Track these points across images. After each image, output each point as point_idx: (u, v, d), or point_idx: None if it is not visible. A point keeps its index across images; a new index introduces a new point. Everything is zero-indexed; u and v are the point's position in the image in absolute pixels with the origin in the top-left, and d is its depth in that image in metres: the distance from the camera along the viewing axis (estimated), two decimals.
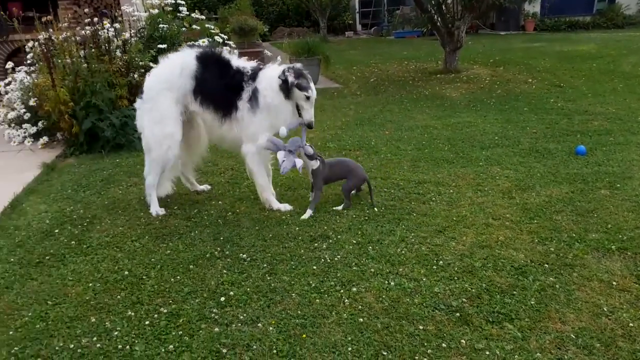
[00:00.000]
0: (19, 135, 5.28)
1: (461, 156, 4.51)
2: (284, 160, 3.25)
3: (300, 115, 3.34)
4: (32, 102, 5.20)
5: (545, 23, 16.35)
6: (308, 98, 3.26)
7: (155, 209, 3.50)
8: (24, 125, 5.30)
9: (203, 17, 6.64)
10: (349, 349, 2.12)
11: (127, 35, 5.62)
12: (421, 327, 2.24)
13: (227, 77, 3.33)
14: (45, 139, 5.19)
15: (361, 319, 2.30)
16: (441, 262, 2.76)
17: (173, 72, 3.35)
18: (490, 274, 2.65)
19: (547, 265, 2.71)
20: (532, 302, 2.40)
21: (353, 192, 3.62)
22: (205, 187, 3.93)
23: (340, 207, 3.46)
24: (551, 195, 3.59)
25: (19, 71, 5.69)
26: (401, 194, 3.71)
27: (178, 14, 6.70)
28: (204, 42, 5.88)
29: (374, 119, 6.01)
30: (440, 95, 7.23)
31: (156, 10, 6.08)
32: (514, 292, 2.48)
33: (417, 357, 2.06)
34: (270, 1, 19.47)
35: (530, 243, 2.95)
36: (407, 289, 2.53)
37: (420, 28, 16.75)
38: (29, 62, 5.69)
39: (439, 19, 8.72)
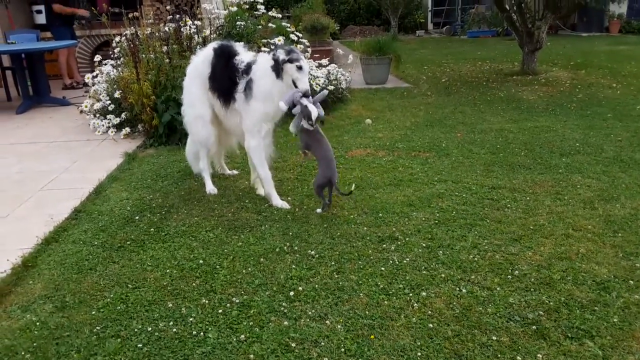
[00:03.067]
0: (103, 125, 5.61)
1: (539, 162, 4.31)
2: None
3: (295, 86, 3.30)
4: (117, 94, 5.51)
5: (631, 25, 15.28)
6: (300, 67, 3.22)
7: (210, 188, 3.89)
8: (108, 116, 5.62)
9: (279, 15, 6.76)
10: (418, 354, 2.08)
11: (207, 32, 5.82)
12: (494, 338, 2.16)
13: (228, 68, 3.50)
14: (127, 129, 5.48)
15: (431, 325, 2.26)
16: (517, 271, 2.65)
17: (200, 60, 3.72)
18: (570, 287, 2.51)
19: (632, 282, 2.54)
20: (615, 320, 2.25)
21: (334, 192, 3.43)
22: (233, 172, 4.30)
23: (319, 210, 3.41)
24: (637, 208, 3.36)
25: (106, 64, 6.04)
26: (473, 198, 3.60)
27: (255, 12, 6.86)
28: (279, 40, 5.98)
29: (445, 120, 5.87)
30: (517, 98, 6.94)
31: (235, 8, 6.25)
32: (595, 308, 2.34)
33: None
34: (342, 0, 19.49)
35: (614, 257, 2.78)
36: (479, 298, 2.45)
37: (496, 28, 16.19)
38: (115, 55, 6.03)
39: (518, 18, 8.36)
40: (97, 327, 2.31)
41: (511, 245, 2.94)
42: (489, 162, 4.34)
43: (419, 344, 2.15)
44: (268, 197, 3.61)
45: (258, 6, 6.53)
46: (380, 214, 3.37)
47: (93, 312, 2.43)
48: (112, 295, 2.56)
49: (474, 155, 4.56)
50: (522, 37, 8.44)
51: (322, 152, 3.39)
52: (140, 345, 2.18)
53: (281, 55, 3.24)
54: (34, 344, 2.22)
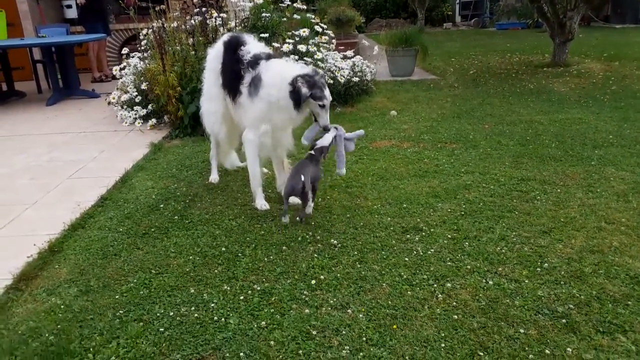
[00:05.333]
0: (130, 117, 5.68)
1: (570, 154, 4.18)
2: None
3: (315, 120, 3.19)
4: (143, 86, 5.57)
5: None
6: (323, 106, 3.07)
7: (214, 176, 3.94)
8: (135, 108, 5.69)
9: (304, 7, 6.72)
10: (442, 345, 2.03)
11: (232, 24, 5.83)
12: (522, 331, 2.10)
13: (234, 61, 3.37)
14: (153, 121, 5.54)
15: (455, 316, 2.20)
16: (546, 264, 2.57)
17: (213, 55, 3.64)
18: (602, 281, 2.42)
19: None
20: None
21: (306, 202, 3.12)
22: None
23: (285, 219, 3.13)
24: None
25: (133, 57, 6.11)
26: (502, 190, 3.51)
27: (280, 4, 6.84)
28: (303, 31, 5.95)
29: (472, 112, 5.75)
30: (547, 90, 6.75)
31: (260, 0, 6.24)
32: (629, 303, 2.25)
33: None
34: None
35: None
36: (506, 290, 2.38)
37: (526, 20, 15.81)
38: (142, 48, 6.10)
39: (549, 8, 8.12)
40: (120, 311, 2.33)
41: (540, 237, 2.85)
42: (518, 154, 4.23)
43: (443, 335, 2.09)
44: (253, 194, 3.45)
45: None
46: (405, 205, 3.32)
47: (117, 297, 2.45)
48: (135, 280, 2.58)
49: (503, 146, 4.45)
50: (554, 27, 8.21)
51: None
52: (162, 329, 2.19)
53: (303, 88, 3.00)
54: (58, 326, 2.25)
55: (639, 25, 14.48)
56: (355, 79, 6.22)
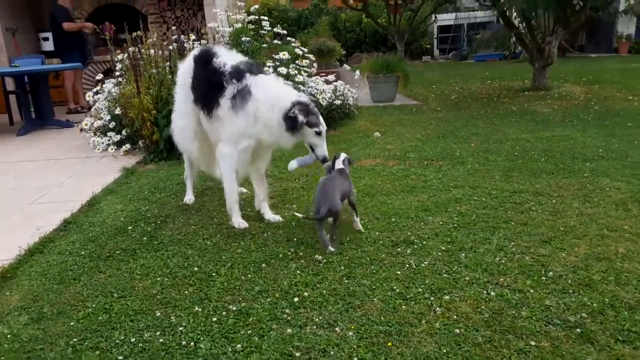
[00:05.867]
0: (103, 143, 5.42)
1: (561, 167, 4.03)
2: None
3: (312, 150, 2.98)
4: (117, 111, 5.34)
5: None
6: (319, 134, 2.90)
7: (188, 197, 3.70)
8: (109, 134, 5.45)
9: (285, 32, 6.64)
10: None
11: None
12: (533, 343, 1.85)
13: (208, 72, 3.15)
14: (127, 146, 5.29)
15: (457, 330, 1.95)
16: (550, 273, 2.35)
17: (182, 70, 3.44)
18: (613, 288, 2.20)
19: None
20: None
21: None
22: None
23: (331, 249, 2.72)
24: None
25: (108, 82, 5.91)
26: (494, 202, 3.31)
27: (260, 31, 6.74)
28: (284, 54, 5.83)
29: (457, 132, 5.63)
30: (530, 111, 6.69)
31: (239, 25, 6.15)
32: None
33: None
34: (348, 28, 19.64)
35: None
36: (511, 301, 2.14)
37: (502, 51, 16.12)
38: (117, 74, 5.90)
39: (528, 34, 8.20)
40: (75, 339, 2.04)
41: (541, 247, 2.64)
42: (508, 169, 4.06)
43: (444, 351, 1.84)
44: (228, 213, 3.19)
45: (263, 23, 6.42)
46: (393, 219, 3.09)
47: (72, 323, 2.15)
48: (94, 305, 2.28)
49: (491, 162, 4.28)
50: (532, 53, 8.26)
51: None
52: (120, 358, 1.90)
53: (300, 116, 2.84)
54: (2, 358, 1.94)
55: (613, 55, 14.83)
56: (338, 102, 6.09)
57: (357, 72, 7.35)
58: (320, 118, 2.93)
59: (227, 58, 3.19)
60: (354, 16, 19.93)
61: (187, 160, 3.69)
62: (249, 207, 3.45)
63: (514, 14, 8.24)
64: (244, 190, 3.84)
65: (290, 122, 2.85)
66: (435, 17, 18.74)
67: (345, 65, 8.30)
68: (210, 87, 3.13)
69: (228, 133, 3.09)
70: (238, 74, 3.04)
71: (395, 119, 6.65)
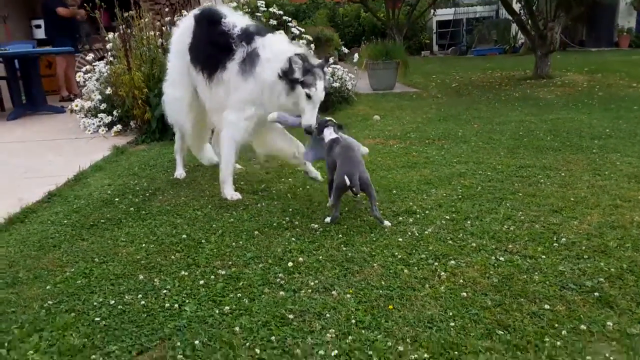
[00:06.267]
0: (93, 124, 5.26)
1: (568, 145, 3.88)
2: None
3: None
4: (108, 91, 5.18)
5: None
6: (310, 97, 2.61)
7: (179, 172, 3.51)
8: (100, 115, 5.28)
9: (281, 12, 6.47)
10: (451, 324, 1.62)
11: None
12: (547, 307, 1.70)
13: (215, 33, 2.94)
14: (118, 127, 5.12)
15: (464, 294, 1.80)
16: (563, 239, 2.20)
17: (179, 32, 3.26)
18: (631, 254, 2.05)
19: None
20: None
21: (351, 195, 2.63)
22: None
23: (328, 219, 2.51)
24: None
25: (99, 63, 5.73)
26: (500, 176, 3.16)
27: (256, 13, 6.58)
28: (279, 33, 5.66)
29: (459, 115, 5.47)
30: (533, 97, 6.55)
31: (234, 4, 5.98)
32: None
33: (547, 340, 1.52)
34: (346, 23, 19.49)
35: None
36: (521, 266, 1.99)
37: (502, 45, 15.99)
38: (109, 53, 5.73)
39: (529, 21, 8.06)
40: (49, 302, 1.88)
41: (551, 216, 2.49)
42: (513, 146, 3.91)
43: (450, 314, 1.69)
44: (221, 184, 3.00)
45: (258, 3, 6.26)
46: (395, 192, 2.94)
47: (48, 287, 1.99)
48: (73, 270, 2.12)
49: (495, 141, 4.13)
50: (534, 40, 8.12)
51: (339, 149, 2.57)
52: (97, 319, 1.74)
53: (296, 69, 2.59)
54: None
55: (614, 49, 14.71)
56: (336, 85, 5.93)
57: (356, 54, 7.19)
58: (319, 81, 2.65)
59: (235, 19, 2.98)
60: (352, 10, 19.78)
61: (178, 133, 3.52)
62: (242, 180, 3.29)
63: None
64: (239, 166, 3.68)
65: (286, 78, 2.63)
66: (434, 11, 18.61)
67: (343, 48, 8.12)
68: (215, 48, 2.93)
69: (234, 99, 2.90)
70: (247, 36, 2.84)
71: (395, 104, 6.50)
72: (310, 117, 2.64)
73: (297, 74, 2.60)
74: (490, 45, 16.14)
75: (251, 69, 2.78)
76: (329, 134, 2.65)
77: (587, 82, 7.67)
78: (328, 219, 2.51)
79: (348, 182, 2.35)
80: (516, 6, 8.62)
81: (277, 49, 2.77)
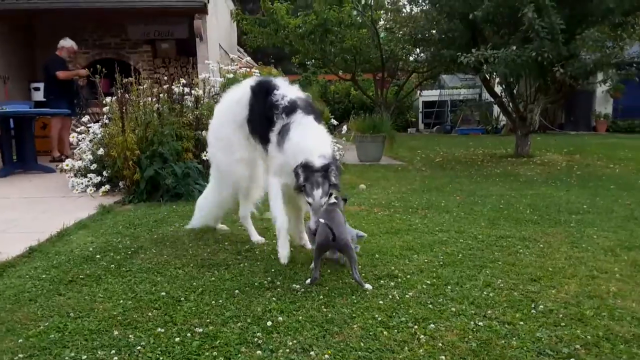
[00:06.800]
0: (82, 184, 5.29)
1: (547, 218, 3.97)
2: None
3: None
4: (100, 151, 5.27)
5: (618, 125, 15.71)
6: (310, 204, 2.67)
7: (255, 238, 3.38)
8: (89, 175, 5.33)
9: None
10: None
11: (200, 92, 5.75)
12: None
13: (266, 106, 2.99)
14: (107, 187, 5.16)
15: (443, 357, 1.79)
16: (541, 307, 2.22)
17: (235, 100, 3.26)
18: (607, 322, 2.07)
19: None
20: None
21: (332, 257, 2.81)
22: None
23: (308, 281, 2.52)
24: None
25: (94, 124, 5.86)
26: (481, 245, 3.21)
27: None
28: None
29: (442, 188, 5.61)
30: (514, 174, 6.76)
31: (231, 75, 6.26)
32: None
33: None
34: (337, 99, 20.27)
35: None
36: (499, 332, 2.00)
37: (485, 126, 16.63)
38: (104, 116, 5.87)
39: (510, 103, 8.48)
40: (20, 355, 1.83)
41: (530, 284, 2.52)
42: (493, 217, 4.00)
43: None
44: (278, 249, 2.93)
45: (253, 74, 6.55)
46: (377, 256, 2.97)
47: (20, 341, 1.95)
48: (47, 324, 2.08)
49: (476, 212, 4.23)
50: (515, 121, 8.50)
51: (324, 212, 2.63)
52: None
53: (300, 175, 2.65)
54: None
55: (592, 133, 15.35)
56: None
57: (345, 126, 7.44)
58: (316, 190, 2.62)
59: (287, 90, 3.01)
60: (344, 88, 20.64)
61: (241, 195, 3.39)
62: (226, 240, 3.31)
63: (497, 80, 8.54)
64: (225, 227, 3.71)
65: (295, 178, 2.70)
66: (420, 92, 19.49)
67: (332, 120, 8.39)
68: (266, 121, 2.97)
69: (274, 165, 2.95)
70: (290, 109, 2.87)
71: (381, 175, 6.65)
72: (313, 222, 2.62)
73: (300, 179, 2.65)
74: (473, 126, 16.79)
75: (282, 142, 2.84)
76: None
77: (566, 161, 7.96)
78: (308, 280, 2.51)
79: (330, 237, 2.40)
80: (498, 89, 9.08)
81: (304, 137, 2.77)
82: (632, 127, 15.42)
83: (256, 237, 3.38)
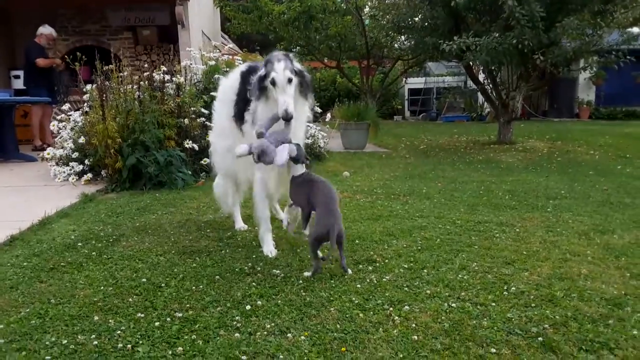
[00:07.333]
0: (64, 172, 5.26)
1: (525, 204, 4.06)
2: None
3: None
4: (81, 140, 5.23)
5: (600, 112, 15.95)
6: (274, 83, 2.55)
7: (239, 225, 3.40)
8: (71, 163, 5.30)
9: None
10: None
11: (182, 79, 5.71)
12: (493, 350, 1.76)
13: (246, 88, 2.89)
14: (89, 175, 5.14)
15: (415, 337, 1.85)
16: (513, 288, 2.29)
17: (228, 85, 3.19)
18: (576, 303, 2.15)
19: None
20: (635, 332, 1.88)
21: (328, 248, 2.62)
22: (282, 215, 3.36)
23: (308, 273, 2.47)
24: (638, 237, 3.08)
25: (75, 112, 5.80)
26: (459, 230, 3.28)
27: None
28: None
29: (424, 175, 5.68)
30: (495, 160, 6.85)
31: (213, 62, 6.22)
32: (609, 322, 1.97)
33: None
34: (323, 87, 20.21)
35: (621, 277, 2.44)
36: (472, 313, 2.06)
37: (470, 113, 16.75)
38: (86, 104, 5.82)
39: (493, 90, 8.56)
40: (1, 340, 1.85)
41: (504, 267, 2.59)
42: (473, 203, 4.07)
43: (401, 356, 1.73)
44: (260, 241, 2.90)
45: (236, 62, 6.52)
46: (357, 242, 3.02)
47: (1, 327, 1.96)
48: (28, 310, 2.10)
49: (456, 198, 4.30)
50: (498, 108, 8.59)
51: (320, 197, 2.54)
52: (48, 358, 1.72)
53: (261, 68, 2.58)
54: None
55: (575, 120, 15.55)
56: (308, 141, 6.11)
57: (329, 114, 7.46)
58: (278, 63, 2.54)
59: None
60: (330, 76, 20.56)
61: (230, 184, 3.37)
62: (208, 228, 3.34)
63: (480, 69, 8.61)
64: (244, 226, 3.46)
65: (256, 84, 2.64)
66: (406, 80, 19.50)
67: (316, 108, 8.40)
68: (244, 103, 2.90)
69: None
70: (263, 86, 2.69)
71: (365, 162, 6.70)
72: (282, 102, 2.50)
73: (262, 71, 2.61)
74: (459, 113, 16.89)
75: (255, 115, 2.74)
76: (300, 168, 2.64)
77: (548, 148, 8.08)
78: (308, 273, 2.46)
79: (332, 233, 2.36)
80: (481, 76, 9.14)
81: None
82: (614, 114, 15.66)
83: (240, 224, 3.40)
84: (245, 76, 2.99)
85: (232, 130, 3.12)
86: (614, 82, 15.16)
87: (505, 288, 2.30)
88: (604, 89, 15.83)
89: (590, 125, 13.26)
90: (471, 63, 8.01)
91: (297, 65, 2.67)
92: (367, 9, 14.04)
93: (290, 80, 2.57)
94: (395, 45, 13.12)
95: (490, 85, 8.58)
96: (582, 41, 6.67)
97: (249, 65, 3.15)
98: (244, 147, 2.59)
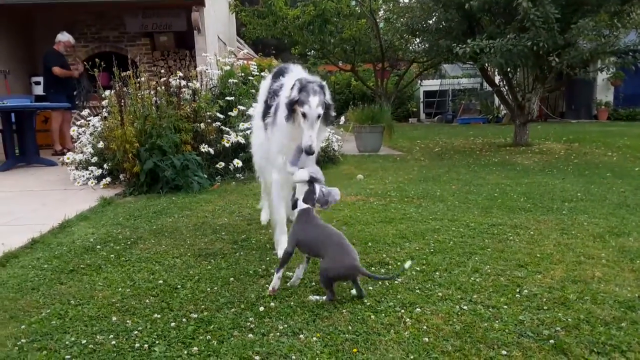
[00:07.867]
0: (83, 176, 5.37)
1: (540, 206, 4.04)
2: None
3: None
4: (100, 144, 5.34)
5: (619, 113, 15.69)
6: (305, 116, 2.48)
7: (263, 217, 3.56)
8: (90, 168, 5.41)
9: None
10: None
11: (197, 85, 5.80)
12: (504, 353, 1.77)
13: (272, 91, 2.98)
14: (108, 179, 5.24)
15: (426, 339, 1.87)
16: (525, 291, 2.29)
17: (263, 85, 3.29)
18: (589, 306, 2.14)
19: None
20: None
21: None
22: None
23: (315, 298, 2.25)
24: None
25: (94, 117, 5.93)
26: (472, 232, 3.28)
27: (249, 77, 6.90)
28: None
29: (439, 177, 5.67)
30: (511, 162, 6.81)
31: (228, 67, 6.30)
32: (622, 325, 1.96)
33: None
34: (338, 90, 20.26)
35: (635, 280, 2.42)
36: (483, 315, 2.07)
37: (486, 115, 16.63)
38: (104, 110, 5.94)
39: (508, 92, 8.50)
40: (23, 340, 1.91)
41: (516, 270, 2.59)
42: (487, 206, 4.06)
43: (411, 358, 1.75)
44: (275, 243, 2.93)
45: (251, 67, 6.59)
46: (370, 244, 3.04)
47: (23, 327, 2.03)
48: (49, 311, 2.16)
49: (470, 201, 4.29)
50: (514, 110, 8.53)
51: (333, 237, 2.33)
52: (68, 357, 1.78)
53: (295, 89, 2.50)
54: None
55: (593, 121, 15.34)
56: (322, 145, 6.14)
57: (342, 117, 7.49)
58: (312, 97, 2.46)
59: (291, 74, 2.87)
60: (344, 79, 20.60)
61: (263, 184, 3.44)
62: (223, 230, 3.39)
63: (495, 71, 8.57)
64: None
65: (288, 103, 2.56)
66: (421, 82, 19.44)
67: (331, 112, 8.43)
68: (267, 105, 2.99)
69: (271, 152, 2.89)
70: (279, 90, 2.78)
71: (379, 165, 6.71)
72: (307, 136, 2.45)
73: (295, 92, 2.52)
74: (475, 115, 16.78)
75: (275, 118, 2.78)
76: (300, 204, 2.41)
77: (565, 150, 7.99)
78: (321, 298, 2.24)
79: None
80: (497, 78, 9.09)
81: (289, 84, 2.64)
82: (633, 115, 15.40)
83: (263, 217, 3.56)
84: (275, 76, 3.09)
85: (262, 130, 3.12)
86: (632, 83, 14.94)
87: (517, 291, 2.31)
88: (622, 90, 15.59)
89: (609, 126, 13.07)
90: (486, 65, 7.97)
91: (328, 97, 2.63)
92: (381, 12, 14.07)
93: (319, 117, 2.55)
94: (410, 47, 13.10)
95: (506, 87, 8.52)
96: (599, 42, 6.60)
97: (278, 67, 3.26)
98: (304, 173, 2.39)
